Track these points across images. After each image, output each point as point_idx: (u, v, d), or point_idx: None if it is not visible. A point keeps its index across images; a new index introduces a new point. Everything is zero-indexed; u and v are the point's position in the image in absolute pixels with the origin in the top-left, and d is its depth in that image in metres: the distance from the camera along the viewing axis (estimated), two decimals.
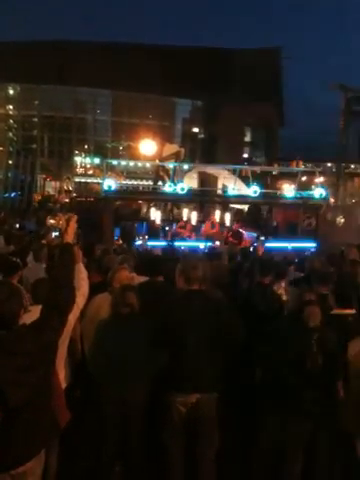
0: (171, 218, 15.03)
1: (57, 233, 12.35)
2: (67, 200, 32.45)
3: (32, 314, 2.61)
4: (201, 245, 11.40)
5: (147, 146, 22.54)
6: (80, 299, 3.38)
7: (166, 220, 14.33)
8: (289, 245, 10.56)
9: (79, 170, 47.56)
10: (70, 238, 2.86)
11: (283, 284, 5.36)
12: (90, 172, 46.80)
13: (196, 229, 13.63)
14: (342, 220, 23.27)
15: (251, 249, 8.64)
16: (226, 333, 3.62)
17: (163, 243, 10.43)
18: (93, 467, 3.97)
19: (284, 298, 4.97)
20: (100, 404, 3.87)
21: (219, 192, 14.40)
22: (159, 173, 16.23)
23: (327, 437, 3.81)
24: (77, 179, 46.16)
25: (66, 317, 2.66)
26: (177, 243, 10.66)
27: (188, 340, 3.59)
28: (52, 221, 12.40)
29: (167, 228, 13.47)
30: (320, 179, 22.52)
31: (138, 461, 3.87)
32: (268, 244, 9.84)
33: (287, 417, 3.68)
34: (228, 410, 4.08)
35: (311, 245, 11.03)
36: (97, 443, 3.99)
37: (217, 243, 11.44)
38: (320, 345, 3.62)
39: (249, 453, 4.02)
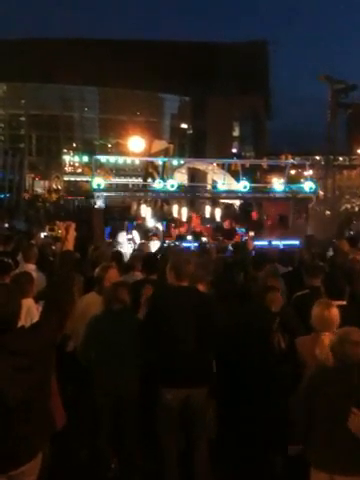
0: (165, 217, 14.86)
1: (46, 233, 12.32)
2: (55, 199, 32.30)
3: None
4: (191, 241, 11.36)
5: (136, 143, 22.43)
6: None
7: (163, 219, 14.08)
8: (280, 242, 10.54)
9: (68, 168, 47.33)
10: (70, 246, 2.95)
11: None
12: (79, 170, 46.58)
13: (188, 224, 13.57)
14: (328, 213, 23.42)
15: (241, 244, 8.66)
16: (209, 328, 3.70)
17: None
18: (88, 460, 3.99)
19: None
20: (94, 397, 3.90)
21: (209, 187, 14.35)
22: (148, 170, 16.11)
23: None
24: (66, 178, 45.95)
25: (66, 319, 2.73)
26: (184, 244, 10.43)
27: (177, 335, 3.61)
28: (51, 232, 12.34)
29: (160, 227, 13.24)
30: (309, 172, 22.63)
31: (132, 452, 3.91)
32: (258, 242, 9.87)
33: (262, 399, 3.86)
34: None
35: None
36: (91, 436, 4.01)
37: (205, 239, 11.36)
38: (283, 328, 3.88)
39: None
